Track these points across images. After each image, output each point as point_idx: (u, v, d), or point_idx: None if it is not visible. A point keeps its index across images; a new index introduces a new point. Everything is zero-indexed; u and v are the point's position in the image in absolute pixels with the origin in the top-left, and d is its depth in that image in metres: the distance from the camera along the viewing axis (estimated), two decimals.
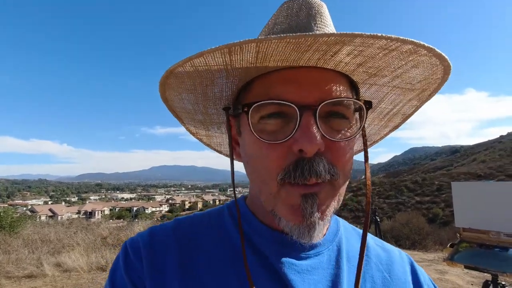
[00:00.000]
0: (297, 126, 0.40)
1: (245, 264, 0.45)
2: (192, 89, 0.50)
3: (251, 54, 0.39)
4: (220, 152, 0.69)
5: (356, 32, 0.34)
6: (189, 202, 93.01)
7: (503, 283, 2.45)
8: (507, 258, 2.55)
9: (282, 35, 0.35)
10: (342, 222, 0.60)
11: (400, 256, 0.59)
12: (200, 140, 0.66)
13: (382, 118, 0.59)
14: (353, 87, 0.49)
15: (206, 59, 0.40)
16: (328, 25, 0.48)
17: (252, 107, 0.42)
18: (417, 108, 0.54)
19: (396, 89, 0.50)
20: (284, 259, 0.47)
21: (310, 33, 0.34)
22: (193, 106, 0.55)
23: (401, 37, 0.35)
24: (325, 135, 0.41)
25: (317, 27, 0.46)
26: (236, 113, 0.50)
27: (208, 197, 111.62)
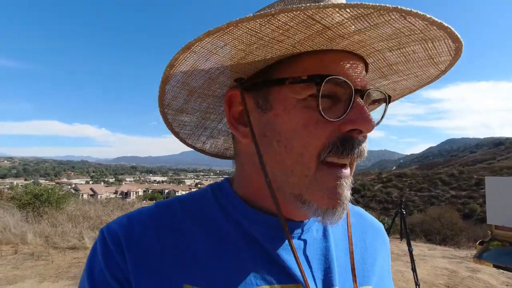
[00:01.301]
0: (350, 107, 0.41)
1: None
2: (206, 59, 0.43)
3: (315, 25, 0.37)
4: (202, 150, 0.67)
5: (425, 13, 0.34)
6: None
7: None
8: None
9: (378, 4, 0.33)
10: None
11: (372, 223, 0.63)
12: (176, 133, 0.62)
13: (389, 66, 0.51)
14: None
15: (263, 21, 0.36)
16: None
17: (326, 79, 0.40)
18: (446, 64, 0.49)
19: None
20: (276, 241, 0.47)
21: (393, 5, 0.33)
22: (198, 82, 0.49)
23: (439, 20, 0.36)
24: (372, 118, 0.42)
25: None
26: (266, 85, 0.45)
27: None
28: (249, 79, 0.48)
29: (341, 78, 0.41)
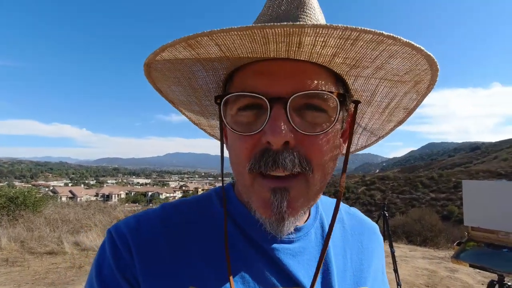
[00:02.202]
0: (267, 118, 0.40)
1: (226, 256, 0.46)
2: (177, 82, 0.50)
3: (212, 47, 0.38)
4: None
5: (305, 23, 0.33)
6: (202, 190, 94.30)
7: (509, 284, 2.42)
8: None
9: (232, 27, 0.34)
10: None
11: (368, 226, 0.64)
12: (204, 130, 0.65)
13: (382, 112, 0.56)
14: (339, 79, 0.47)
15: (172, 53, 0.40)
16: (311, 14, 0.45)
17: (223, 99, 0.44)
18: (418, 101, 0.52)
19: (385, 81, 0.48)
20: (277, 245, 0.48)
21: (259, 25, 0.33)
22: (186, 98, 0.55)
23: (357, 27, 0.34)
24: (296, 127, 0.40)
25: (300, 17, 0.44)
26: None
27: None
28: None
29: (244, 93, 0.42)
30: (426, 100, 0.51)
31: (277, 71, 0.42)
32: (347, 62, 0.43)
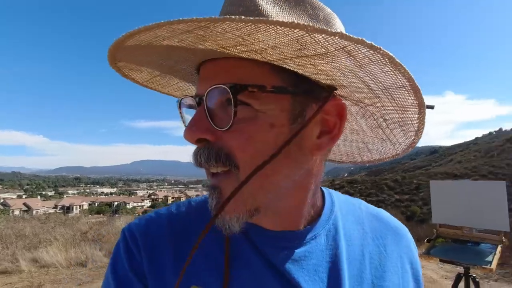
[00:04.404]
0: None
1: (226, 263, 0.46)
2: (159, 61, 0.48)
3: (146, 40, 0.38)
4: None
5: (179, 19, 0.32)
6: (172, 198, 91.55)
7: (474, 275, 2.60)
8: (478, 252, 2.71)
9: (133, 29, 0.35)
10: (337, 196, 0.58)
11: (395, 229, 0.58)
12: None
13: (377, 95, 0.46)
14: (283, 70, 0.41)
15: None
16: (252, 10, 0.41)
17: (179, 102, 0.48)
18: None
19: (309, 58, 0.38)
20: (280, 250, 0.47)
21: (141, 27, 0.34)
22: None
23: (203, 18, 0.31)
24: (213, 124, 0.40)
25: (238, 13, 0.42)
26: None
27: (192, 193, 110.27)
28: None
29: (186, 95, 0.47)
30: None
31: (205, 71, 0.44)
32: (251, 48, 0.37)
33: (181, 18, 0.32)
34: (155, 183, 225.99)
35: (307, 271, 0.46)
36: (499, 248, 2.72)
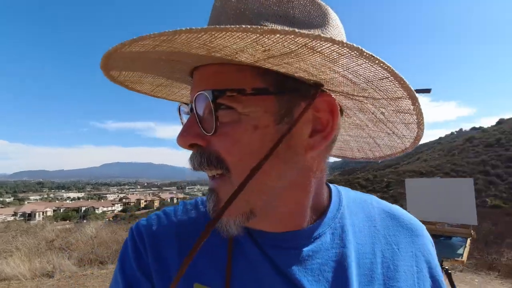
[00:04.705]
0: None
1: (228, 265, 0.47)
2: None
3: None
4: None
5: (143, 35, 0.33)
6: (145, 201, 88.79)
7: (447, 267, 2.76)
8: (450, 245, 2.89)
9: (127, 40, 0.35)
10: (346, 192, 0.57)
11: (409, 226, 0.56)
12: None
13: (364, 88, 0.45)
14: (261, 70, 0.41)
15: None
16: (238, 16, 0.41)
17: (179, 108, 0.49)
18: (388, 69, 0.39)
19: (281, 57, 0.38)
20: (283, 251, 0.47)
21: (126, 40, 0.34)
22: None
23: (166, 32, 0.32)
24: (202, 129, 0.42)
25: (225, 20, 0.42)
26: None
27: (166, 195, 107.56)
28: None
29: (182, 103, 0.49)
30: None
31: (196, 78, 0.45)
32: (223, 53, 0.38)
33: (145, 35, 0.33)
34: (126, 186, 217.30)
35: (311, 271, 0.46)
36: (468, 241, 2.91)
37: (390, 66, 0.37)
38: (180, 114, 0.50)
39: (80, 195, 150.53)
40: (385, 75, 0.39)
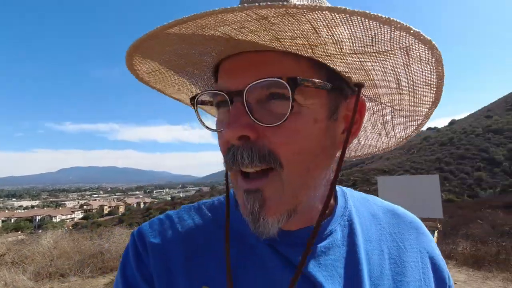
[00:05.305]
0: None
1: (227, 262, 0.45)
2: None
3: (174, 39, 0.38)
4: None
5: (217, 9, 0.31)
6: (109, 207, 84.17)
7: None
8: None
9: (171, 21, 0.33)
10: (350, 192, 0.58)
11: (411, 223, 0.57)
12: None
13: (401, 93, 0.48)
14: (319, 65, 0.41)
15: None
16: None
17: (195, 99, 0.45)
18: (436, 72, 0.42)
19: (362, 55, 0.40)
20: (297, 247, 0.46)
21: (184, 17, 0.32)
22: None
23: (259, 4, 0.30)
24: (255, 120, 0.38)
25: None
26: None
27: (132, 200, 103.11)
28: None
29: (207, 91, 0.44)
30: None
31: (237, 65, 0.41)
32: (298, 42, 0.37)
33: (239, 6, 0.31)
34: (88, 192, 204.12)
35: (325, 267, 0.46)
36: (436, 234, 3.09)
37: (445, 74, 0.39)
38: (195, 106, 0.45)
39: (35, 203, 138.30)
40: (432, 81, 0.40)
